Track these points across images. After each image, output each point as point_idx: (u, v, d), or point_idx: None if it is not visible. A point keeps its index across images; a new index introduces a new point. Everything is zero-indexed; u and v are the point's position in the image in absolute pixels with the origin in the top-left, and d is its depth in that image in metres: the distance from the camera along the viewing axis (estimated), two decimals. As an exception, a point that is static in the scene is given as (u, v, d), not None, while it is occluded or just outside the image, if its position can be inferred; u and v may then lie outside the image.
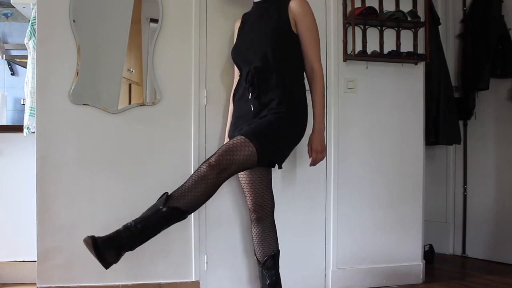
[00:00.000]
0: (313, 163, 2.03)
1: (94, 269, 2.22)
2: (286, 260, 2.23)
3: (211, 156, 1.77)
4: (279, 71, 1.95)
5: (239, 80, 2.10)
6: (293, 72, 2.01)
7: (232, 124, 2.11)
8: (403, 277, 2.57)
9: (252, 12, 2.13)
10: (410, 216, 2.61)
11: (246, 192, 2.11)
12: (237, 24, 2.20)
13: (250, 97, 1.96)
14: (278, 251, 2.12)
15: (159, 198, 1.73)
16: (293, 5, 1.98)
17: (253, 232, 2.13)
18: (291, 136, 1.98)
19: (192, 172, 2.15)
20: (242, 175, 2.08)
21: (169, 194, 1.72)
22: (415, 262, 2.61)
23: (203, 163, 1.76)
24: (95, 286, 2.21)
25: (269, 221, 2.11)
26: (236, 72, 2.18)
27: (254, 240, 2.12)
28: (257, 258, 2.12)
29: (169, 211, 1.69)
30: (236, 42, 2.15)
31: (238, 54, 2.07)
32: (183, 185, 1.74)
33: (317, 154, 2.00)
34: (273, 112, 1.91)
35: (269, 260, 2.08)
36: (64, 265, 2.19)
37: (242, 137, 1.80)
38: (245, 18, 2.16)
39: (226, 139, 2.21)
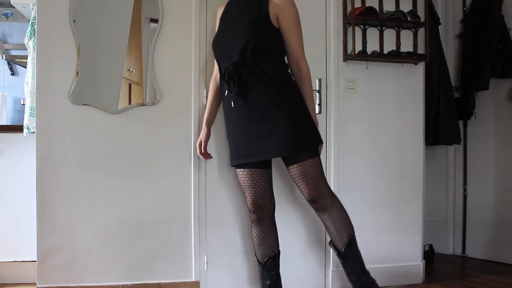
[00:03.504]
0: None
1: (94, 269, 2.23)
2: (286, 260, 2.23)
3: (303, 192, 1.95)
4: (261, 64, 1.92)
5: (220, 75, 2.06)
6: (277, 64, 1.98)
7: (228, 126, 2.08)
8: (403, 277, 2.57)
9: (234, 3, 2.07)
10: (410, 216, 2.61)
11: (246, 193, 2.07)
12: (220, 11, 2.15)
13: (227, 94, 1.97)
14: (279, 251, 2.11)
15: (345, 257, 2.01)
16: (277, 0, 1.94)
17: (253, 232, 2.11)
18: (306, 112, 1.98)
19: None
20: (242, 175, 2.06)
21: (332, 244, 2.05)
22: (415, 262, 2.61)
23: (310, 202, 1.97)
24: (95, 286, 2.21)
25: (269, 221, 2.09)
26: (216, 65, 2.16)
27: (254, 241, 2.11)
28: (257, 259, 2.11)
29: (348, 256, 2.01)
30: (216, 33, 2.10)
31: (217, 47, 2.04)
32: (328, 230, 2.03)
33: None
34: (278, 109, 1.91)
35: (269, 261, 2.08)
36: (64, 265, 2.19)
37: (305, 162, 1.91)
38: (228, 7, 2.10)
39: (203, 130, 2.20)
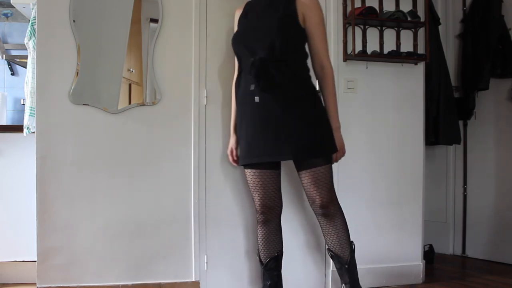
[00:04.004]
0: (335, 161, 2.04)
1: (94, 269, 2.23)
2: (286, 260, 2.22)
3: (314, 198, 1.95)
4: (287, 61, 1.92)
5: (239, 73, 2.05)
6: (300, 64, 1.99)
7: (239, 124, 2.05)
8: (403, 277, 2.57)
9: (256, 2, 2.06)
10: (410, 216, 2.61)
11: (255, 194, 2.03)
12: (238, 13, 2.13)
13: (253, 88, 1.92)
14: (282, 252, 2.11)
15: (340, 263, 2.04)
16: (304, 1, 1.95)
17: (258, 233, 2.09)
18: (326, 119, 1.99)
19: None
20: (251, 176, 2.02)
21: (332, 252, 2.04)
22: (415, 262, 2.61)
23: (316, 208, 1.97)
24: (95, 286, 2.21)
25: (276, 223, 2.08)
26: (237, 63, 2.12)
27: (259, 241, 2.10)
28: (259, 258, 2.11)
29: (352, 262, 2.03)
30: (238, 30, 2.08)
31: (240, 42, 2.01)
32: (329, 237, 2.02)
33: (338, 152, 2.02)
34: (304, 110, 1.92)
35: (271, 261, 2.07)
36: (64, 265, 2.19)
37: (319, 168, 1.91)
38: (248, 8, 2.09)
39: (232, 137, 2.17)
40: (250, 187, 2.05)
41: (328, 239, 2.04)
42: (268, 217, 2.05)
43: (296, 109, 1.91)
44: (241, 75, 2.04)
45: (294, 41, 1.96)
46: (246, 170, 2.05)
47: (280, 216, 2.09)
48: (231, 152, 2.18)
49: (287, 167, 2.29)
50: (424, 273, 2.64)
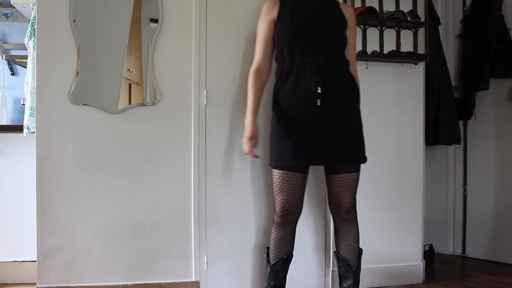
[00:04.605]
0: None
1: (94, 269, 2.23)
2: (286, 260, 2.23)
3: (341, 202, 2.00)
4: (344, 66, 2.01)
5: (288, 67, 1.96)
6: (350, 69, 2.06)
7: (281, 123, 1.97)
8: (403, 277, 2.57)
9: (301, 1, 2.02)
10: (410, 216, 2.61)
11: (279, 196, 1.98)
12: (273, 5, 2.02)
13: (319, 91, 1.90)
14: (292, 255, 2.10)
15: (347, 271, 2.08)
16: (349, 11, 2.07)
17: (272, 233, 2.05)
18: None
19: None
20: (281, 178, 1.96)
21: (341, 255, 2.08)
22: (415, 262, 2.61)
23: (340, 212, 2.02)
24: (95, 286, 2.21)
25: (293, 227, 2.06)
26: (262, 58, 2.03)
27: (271, 241, 2.06)
28: (267, 257, 2.08)
29: (359, 265, 2.09)
30: (291, 24, 1.97)
31: (296, 39, 1.95)
32: (343, 241, 2.06)
33: None
34: (355, 116, 2.03)
35: (280, 262, 2.06)
36: (64, 265, 2.19)
37: (354, 174, 2.00)
38: (293, 4, 2.00)
39: (255, 124, 1.99)
40: (275, 189, 1.99)
41: (342, 242, 2.09)
42: (286, 220, 2.02)
43: (351, 115, 2.00)
44: (292, 72, 1.96)
45: (346, 46, 2.04)
46: (275, 171, 1.99)
47: (297, 220, 2.06)
48: (249, 139, 1.96)
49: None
50: (424, 273, 2.64)
